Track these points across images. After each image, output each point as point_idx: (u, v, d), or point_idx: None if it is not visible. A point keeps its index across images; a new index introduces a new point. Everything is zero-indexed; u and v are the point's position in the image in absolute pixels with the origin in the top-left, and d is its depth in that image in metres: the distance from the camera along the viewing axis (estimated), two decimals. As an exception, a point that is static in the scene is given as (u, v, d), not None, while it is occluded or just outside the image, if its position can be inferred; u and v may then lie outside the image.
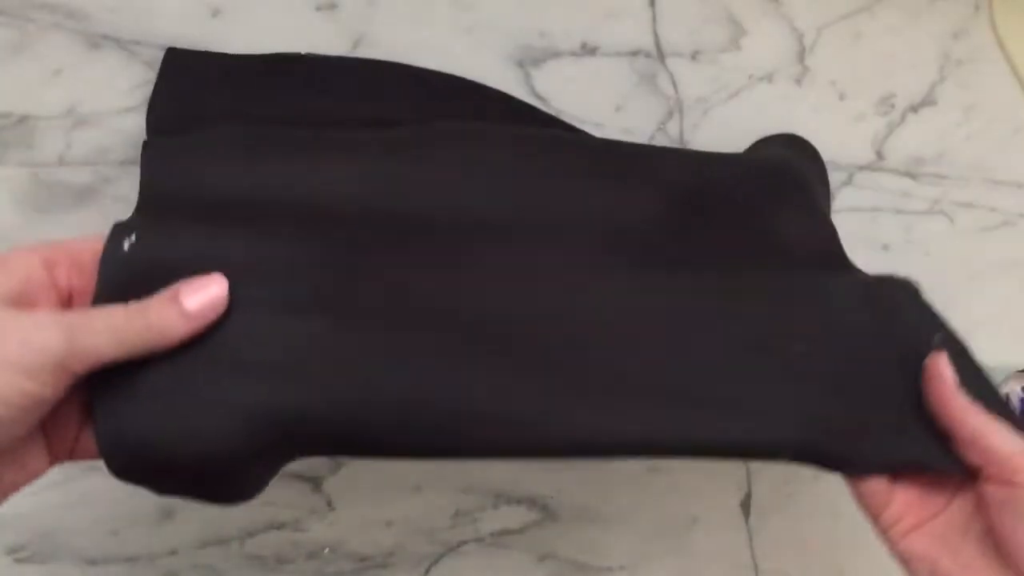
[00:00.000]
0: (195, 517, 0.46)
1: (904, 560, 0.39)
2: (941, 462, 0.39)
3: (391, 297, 0.37)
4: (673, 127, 0.51)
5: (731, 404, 0.39)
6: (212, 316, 0.33)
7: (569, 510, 0.49)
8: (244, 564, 0.46)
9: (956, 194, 0.55)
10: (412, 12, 0.48)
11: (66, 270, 0.33)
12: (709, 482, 0.51)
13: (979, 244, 0.55)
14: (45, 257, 0.32)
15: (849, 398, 0.40)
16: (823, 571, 0.53)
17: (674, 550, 0.51)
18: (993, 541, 0.36)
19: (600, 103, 0.50)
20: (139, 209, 0.38)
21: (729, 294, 0.41)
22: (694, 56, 0.52)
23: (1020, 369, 0.49)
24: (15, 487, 0.32)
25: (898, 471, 0.40)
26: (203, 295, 0.32)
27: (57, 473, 0.44)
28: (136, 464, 0.32)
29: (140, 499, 0.45)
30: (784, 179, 0.46)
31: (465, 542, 0.48)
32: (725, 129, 0.52)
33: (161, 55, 0.45)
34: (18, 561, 0.44)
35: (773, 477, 0.53)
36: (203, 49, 0.46)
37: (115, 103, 0.45)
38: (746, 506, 0.52)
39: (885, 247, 0.54)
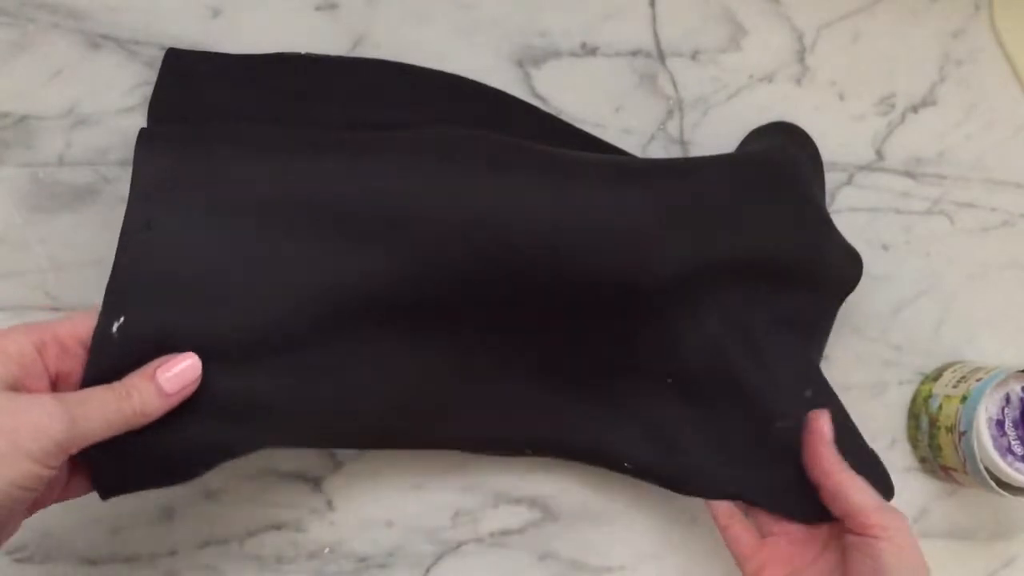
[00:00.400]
0: (195, 517, 0.46)
1: None
2: (793, 508, 0.45)
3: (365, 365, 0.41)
4: (673, 127, 0.51)
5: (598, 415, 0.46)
6: (187, 393, 0.36)
7: (569, 510, 0.49)
8: (244, 564, 0.46)
9: (956, 194, 0.55)
10: (412, 12, 0.48)
11: (54, 354, 0.35)
12: (709, 482, 0.51)
13: (979, 244, 0.55)
14: (35, 340, 0.34)
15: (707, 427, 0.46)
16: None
17: (674, 550, 0.51)
18: None
19: (600, 103, 0.50)
20: (131, 206, 0.38)
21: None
22: (694, 56, 0.52)
23: (1020, 369, 0.49)
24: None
25: (748, 503, 0.46)
26: (178, 375, 0.36)
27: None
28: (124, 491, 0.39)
29: (140, 499, 0.45)
30: (777, 175, 0.47)
31: (465, 542, 0.48)
32: (725, 129, 0.52)
33: (161, 55, 0.45)
34: (18, 561, 0.44)
35: (773, 477, 0.53)
36: (204, 49, 0.46)
37: (115, 103, 0.45)
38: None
39: (885, 247, 0.54)
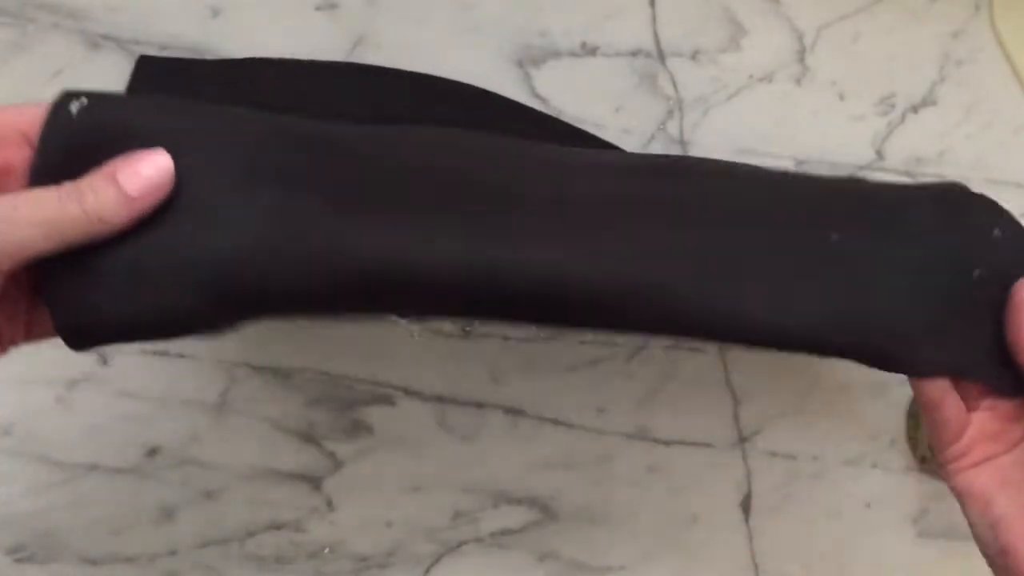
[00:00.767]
0: (195, 517, 0.46)
1: (960, 495, 0.38)
2: (1002, 379, 0.37)
3: (371, 172, 0.34)
4: (673, 127, 0.51)
5: (784, 291, 0.36)
6: (157, 198, 0.29)
7: (569, 510, 0.49)
8: (244, 564, 0.46)
9: (956, 194, 0.55)
10: (412, 12, 0.48)
11: (16, 147, 0.29)
12: (709, 482, 0.51)
13: (979, 244, 0.55)
14: None
15: (915, 298, 0.37)
16: (823, 571, 0.53)
17: (674, 550, 0.51)
18: None
19: (600, 103, 0.50)
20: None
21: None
22: (694, 56, 0.52)
23: (1020, 369, 0.49)
24: None
25: (960, 378, 0.37)
26: (145, 175, 0.29)
27: (57, 473, 0.44)
28: (96, 340, 0.31)
29: (140, 499, 0.45)
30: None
31: (465, 542, 0.48)
32: (725, 129, 0.52)
33: (161, 55, 0.45)
34: (18, 561, 0.44)
35: (773, 477, 0.53)
36: (204, 49, 0.46)
37: (115, 103, 0.45)
38: (746, 506, 0.52)
39: (885, 247, 0.54)
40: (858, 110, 0.54)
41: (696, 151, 0.52)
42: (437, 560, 0.48)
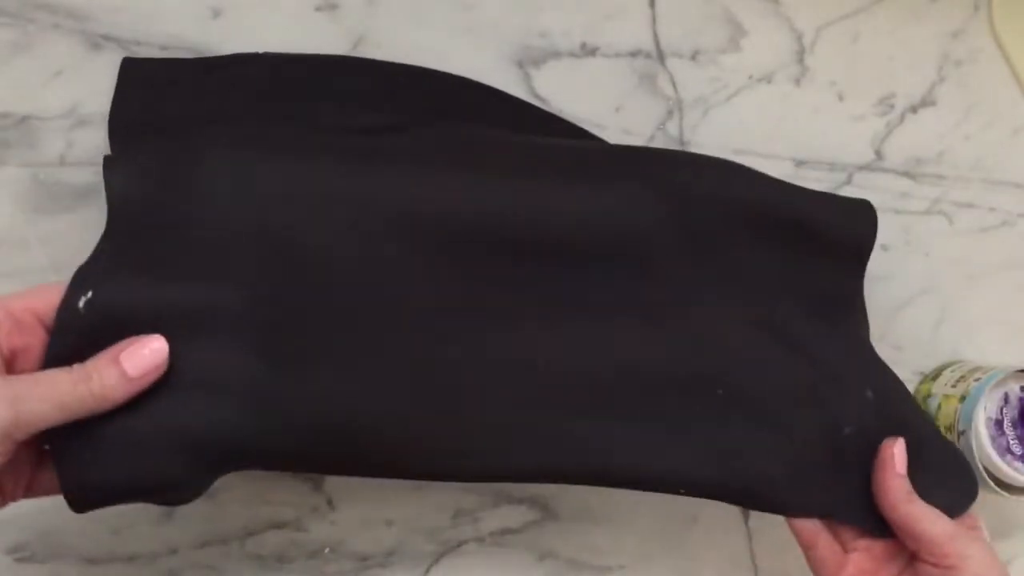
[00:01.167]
0: (195, 517, 0.46)
1: None
2: (873, 523, 0.43)
3: (343, 332, 0.40)
4: (673, 127, 0.51)
5: (661, 438, 0.42)
6: (153, 378, 0.34)
7: (569, 510, 0.50)
8: (244, 563, 0.46)
9: (955, 194, 0.55)
10: (412, 12, 0.48)
11: (7, 329, 0.33)
12: (709, 482, 0.51)
13: (979, 244, 0.55)
14: None
15: (782, 448, 0.43)
16: (823, 571, 0.53)
17: (674, 550, 0.51)
18: None
19: (600, 103, 0.50)
20: (107, 232, 0.38)
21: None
22: (694, 56, 0.52)
23: (1019, 368, 0.49)
24: None
25: (829, 519, 0.43)
26: (144, 358, 0.33)
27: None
28: (97, 503, 0.35)
29: (140, 499, 0.45)
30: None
31: (465, 541, 0.48)
32: (725, 129, 0.52)
33: (162, 55, 0.45)
34: (18, 561, 0.44)
35: (773, 477, 0.53)
36: (204, 50, 0.46)
37: (116, 103, 0.45)
38: (746, 506, 0.52)
39: (884, 247, 0.54)
40: (857, 110, 0.54)
41: (696, 151, 0.52)
42: (437, 560, 0.48)
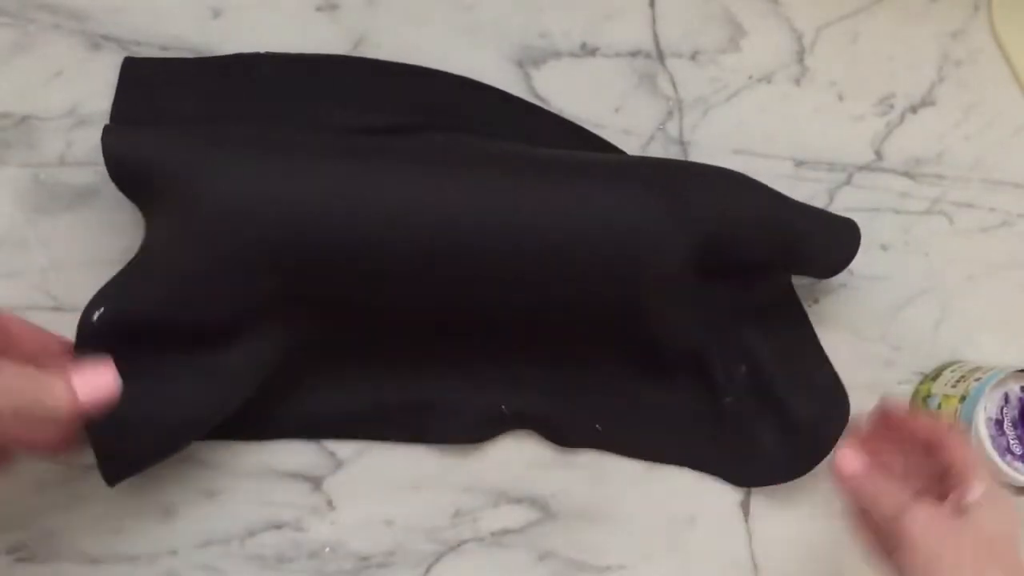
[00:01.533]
0: (195, 517, 0.46)
1: None
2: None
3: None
4: (673, 127, 0.52)
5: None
6: (97, 404, 0.35)
7: (569, 510, 0.50)
8: (245, 563, 0.46)
9: (955, 194, 0.55)
10: (412, 12, 0.48)
11: (61, 356, 0.37)
12: (709, 482, 0.51)
13: (978, 244, 0.55)
14: None
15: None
16: (823, 571, 0.53)
17: (674, 550, 0.51)
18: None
19: (600, 103, 0.50)
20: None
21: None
22: (694, 56, 0.52)
23: (1019, 368, 0.49)
24: None
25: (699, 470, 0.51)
26: (94, 388, 0.34)
27: (57, 473, 0.44)
28: (126, 476, 0.42)
29: (141, 498, 0.45)
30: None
31: (465, 541, 0.48)
32: (725, 129, 0.52)
33: (162, 55, 0.45)
34: (19, 560, 0.44)
35: (773, 477, 0.53)
36: (204, 49, 0.46)
37: (116, 103, 0.45)
38: (746, 506, 0.52)
39: (884, 247, 0.54)
40: (857, 110, 0.54)
41: (695, 151, 0.52)
42: (437, 560, 0.48)
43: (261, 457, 0.46)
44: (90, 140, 0.45)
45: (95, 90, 0.45)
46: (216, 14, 0.46)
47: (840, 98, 0.54)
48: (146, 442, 0.41)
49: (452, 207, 0.41)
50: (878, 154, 0.54)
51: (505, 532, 0.49)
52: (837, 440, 0.50)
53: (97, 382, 0.34)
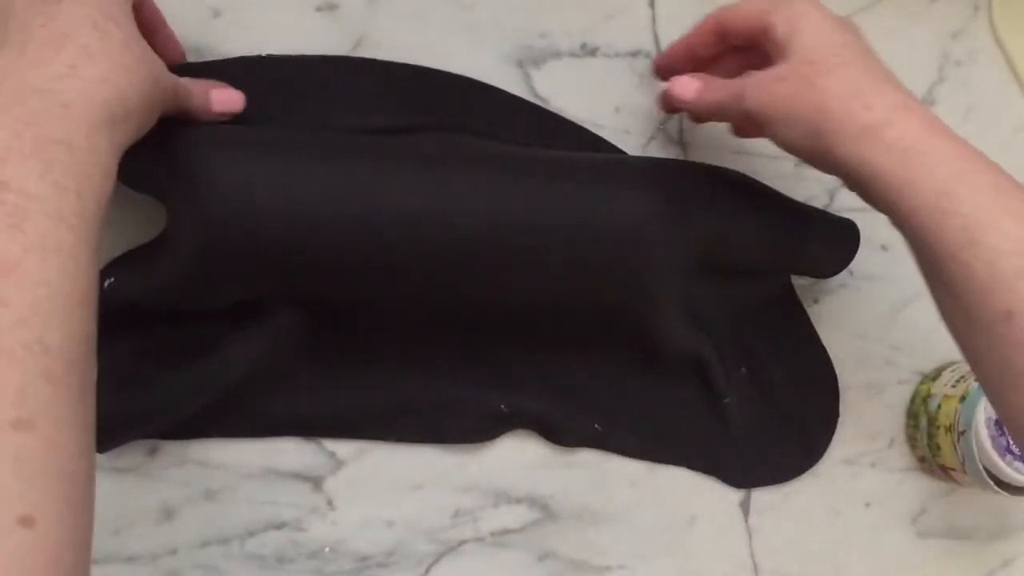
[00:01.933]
0: (195, 517, 0.46)
1: None
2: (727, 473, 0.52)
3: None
4: (673, 127, 0.51)
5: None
6: (225, 114, 0.42)
7: (569, 510, 0.50)
8: (245, 563, 0.46)
9: (955, 194, 0.55)
10: (412, 12, 0.48)
11: None
12: (709, 482, 0.51)
13: (978, 244, 0.55)
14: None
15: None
16: (823, 571, 0.53)
17: (674, 550, 0.51)
18: None
19: (600, 103, 0.50)
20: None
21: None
22: (694, 56, 0.52)
23: (1019, 369, 0.49)
24: None
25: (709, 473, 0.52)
26: (227, 101, 0.42)
27: (58, 473, 0.44)
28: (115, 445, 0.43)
29: (141, 499, 0.45)
30: None
31: (465, 541, 0.48)
32: (724, 129, 0.52)
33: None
34: (19, 561, 0.44)
35: (773, 477, 0.53)
36: (203, 50, 0.46)
37: (116, 103, 0.45)
38: (746, 506, 0.52)
39: (884, 247, 0.54)
40: (857, 110, 0.54)
41: (695, 151, 0.52)
42: (437, 560, 0.48)
43: (261, 457, 0.46)
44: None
45: (95, 90, 0.45)
46: (216, 14, 0.46)
47: (840, 98, 0.53)
48: (133, 412, 0.43)
49: (451, 207, 0.41)
50: (878, 154, 0.54)
51: (505, 532, 0.49)
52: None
53: (229, 97, 0.42)
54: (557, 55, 0.50)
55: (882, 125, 0.36)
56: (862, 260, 0.49)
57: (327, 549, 0.47)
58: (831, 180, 0.53)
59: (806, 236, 0.48)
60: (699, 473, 0.51)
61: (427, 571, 0.48)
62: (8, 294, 0.28)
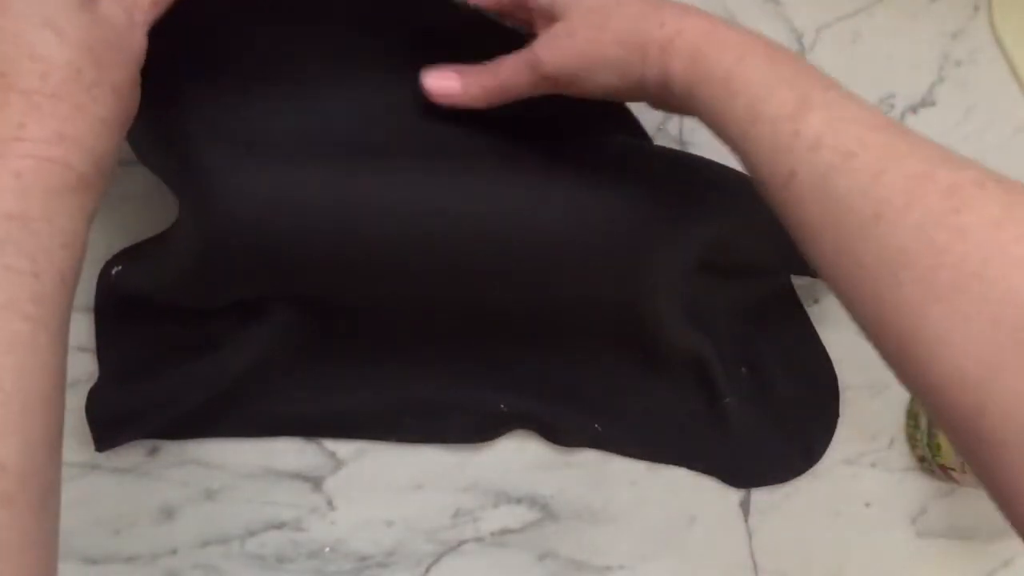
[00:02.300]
0: (195, 517, 0.46)
1: None
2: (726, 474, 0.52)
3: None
4: (673, 127, 0.51)
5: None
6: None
7: (569, 510, 0.50)
8: (245, 563, 0.46)
9: (955, 194, 0.55)
10: (412, 12, 0.48)
11: None
12: (709, 482, 0.51)
13: (978, 244, 0.55)
14: None
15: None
16: (823, 571, 0.53)
17: (674, 550, 0.51)
18: None
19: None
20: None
21: None
22: (694, 56, 0.52)
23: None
24: None
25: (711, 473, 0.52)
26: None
27: (58, 473, 0.44)
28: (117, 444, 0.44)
29: (141, 499, 0.45)
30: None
31: (465, 541, 0.48)
32: (725, 129, 0.52)
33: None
34: (19, 561, 0.44)
35: (773, 477, 0.53)
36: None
37: (116, 103, 0.45)
38: (746, 506, 0.52)
39: (884, 247, 0.54)
40: (857, 110, 0.54)
41: (695, 152, 0.51)
42: (437, 560, 0.48)
43: (261, 457, 0.46)
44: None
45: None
46: (216, 14, 0.46)
47: (840, 98, 0.53)
48: (134, 411, 0.43)
49: (452, 206, 0.41)
50: (878, 154, 0.54)
51: (505, 532, 0.49)
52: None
53: None
54: (557, 55, 0.50)
55: (674, 36, 0.35)
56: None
57: (327, 549, 0.47)
58: (831, 180, 0.53)
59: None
60: (699, 473, 0.51)
61: (427, 571, 0.48)
62: None
